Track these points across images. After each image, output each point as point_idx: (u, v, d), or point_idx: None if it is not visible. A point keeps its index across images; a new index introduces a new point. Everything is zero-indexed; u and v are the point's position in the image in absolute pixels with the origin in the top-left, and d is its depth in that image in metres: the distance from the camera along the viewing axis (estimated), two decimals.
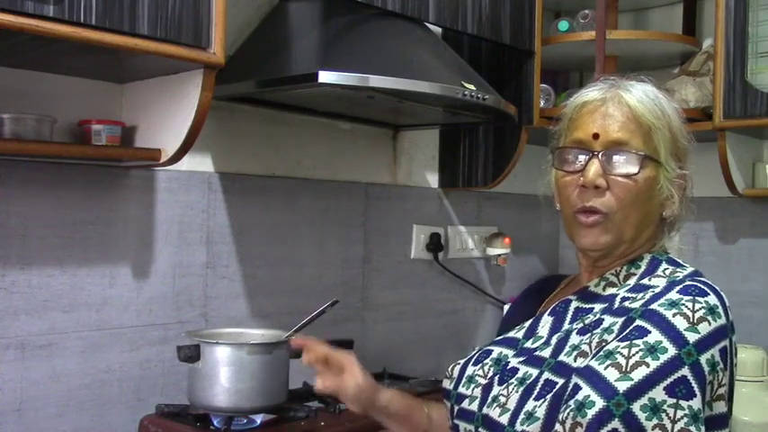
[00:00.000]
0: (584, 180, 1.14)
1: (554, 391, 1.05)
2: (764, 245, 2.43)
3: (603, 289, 1.18)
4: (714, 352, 1.02)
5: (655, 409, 0.97)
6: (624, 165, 1.14)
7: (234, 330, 1.74)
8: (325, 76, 1.52)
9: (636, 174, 1.13)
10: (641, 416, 0.97)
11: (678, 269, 1.16)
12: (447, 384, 1.26)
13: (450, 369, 1.28)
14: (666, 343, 1.00)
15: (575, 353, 1.08)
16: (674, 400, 0.98)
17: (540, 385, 1.09)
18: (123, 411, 1.70)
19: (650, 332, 1.02)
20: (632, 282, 1.16)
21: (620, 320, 1.07)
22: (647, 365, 0.99)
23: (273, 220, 1.99)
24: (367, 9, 1.77)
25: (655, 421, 0.97)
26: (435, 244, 2.38)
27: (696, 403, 0.99)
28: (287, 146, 2.03)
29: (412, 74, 1.65)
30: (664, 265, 1.17)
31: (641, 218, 1.16)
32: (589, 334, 1.10)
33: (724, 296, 1.09)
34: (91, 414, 1.65)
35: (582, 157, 1.16)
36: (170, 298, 1.78)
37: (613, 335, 1.05)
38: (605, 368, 1.01)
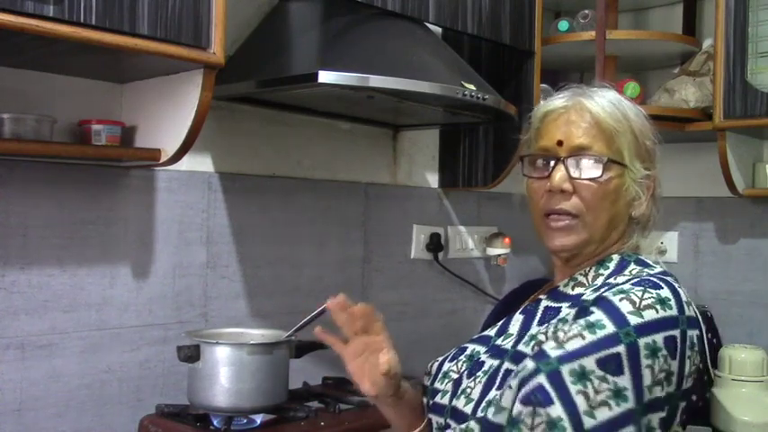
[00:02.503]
0: (551, 185, 1.19)
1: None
2: (764, 245, 2.43)
3: (572, 288, 1.21)
4: (656, 338, 1.03)
5: (581, 375, 1.00)
6: (588, 169, 1.18)
7: (234, 330, 1.74)
8: (325, 76, 1.52)
9: (600, 177, 1.17)
10: (567, 378, 1.00)
11: (645, 269, 1.17)
12: (425, 381, 1.32)
13: (429, 366, 1.33)
14: (606, 321, 1.03)
15: (532, 342, 1.13)
16: (602, 373, 1.00)
17: (500, 375, 1.13)
18: (123, 411, 1.70)
19: (593, 313, 1.05)
20: (600, 282, 1.18)
21: (575, 310, 1.10)
22: (583, 338, 1.02)
23: (273, 220, 1.99)
24: (367, 9, 1.77)
25: (579, 387, 0.99)
26: (435, 244, 2.38)
27: (623, 381, 1.00)
28: (287, 146, 2.03)
29: (412, 74, 1.65)
30: (632, 266, 1.19)
31: (609, 218, 1.19)
32: (546, 324, 1.14)
33: (682, 294, 1.10)
34: (91, 414, 1.66)
35: (548, 164, 1.21)
36: (170, 298, 1.78)
37: (567, 324, 1.08)
38: (546, 342, 1.06)
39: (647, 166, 1.22)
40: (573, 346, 1.02)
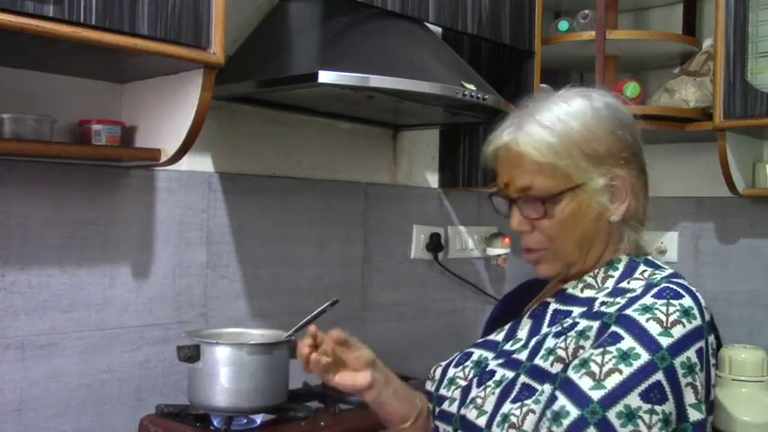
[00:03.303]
0: (511, 227, 1.20)
1: (533, 396, 1.06)
2: (764, 245, 2.43)
3: (581, 291, 1.18)
4: (690, 354, 1.02)
5: (630, 415, 0.98)
6: (535, 209, 1.16)
7: (234, 330, 1.74)
8: (325, 76, 1.52)
9: (546, 214, 1.15)
10: (617, 423, 0.97)
11: (657, 271, 1.15)
12: (429, 386, 1.28)
13: (432, 371, 1.30)
14: (640, 349, 1.01)
15: (551, 357, 1.09)
16: (650, 406, 0.98)
17: (517, 388, 1.09)
18: (123, 411, 1.70)
19: (623, 338, 1.02)
20: (610, 285, 1.16)
21: (596, 325, 1.07)
22: (621, 372, 1.00)
23: (273, 220, 1.99)
24: (367, 9, 1.77)
25: (630, 428, 0.97)
26: (435, 244, 2.38)
27: (668, 407, 0.99)
28: (287, 146, 2.03)
29: (412, 74, 1.65)
30: (642, 267, 1.17)
31: (578, 240, 1.17)
32: (564, 337, 1.10)
33: (700, 297, 1.09)
34: (91, 414, 1.65)
35: (505, 204, 1.21)
36: (170, 298, 1.78)
37: (589, 341, 1.06)
38: (580, 377, 1.02)
39: (606, 170, 1.15)
40: (612, 383, 0.99)
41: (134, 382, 1.72)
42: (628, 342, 1.02)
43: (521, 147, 1.15)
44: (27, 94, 1.53)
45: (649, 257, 1.20)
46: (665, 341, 1.01)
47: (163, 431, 1.60)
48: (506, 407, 1.08)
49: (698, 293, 1.09)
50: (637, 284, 1.12)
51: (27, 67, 1.53)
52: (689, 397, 1.01)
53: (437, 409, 1.23)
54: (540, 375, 1.08)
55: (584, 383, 1.01)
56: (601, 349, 1.03)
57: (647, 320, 1.03)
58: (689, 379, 1.01)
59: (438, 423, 1.21)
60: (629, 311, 1.05)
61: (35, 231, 1.58)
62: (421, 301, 2.38)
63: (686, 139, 2.44)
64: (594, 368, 1.01)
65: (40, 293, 1.59)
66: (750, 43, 2.12)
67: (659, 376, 0.99)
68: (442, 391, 1.23)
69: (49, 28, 1.23)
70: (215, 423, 1.59)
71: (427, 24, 1.92)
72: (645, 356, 1.00)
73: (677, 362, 1.01)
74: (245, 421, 1.61)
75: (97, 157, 1.60)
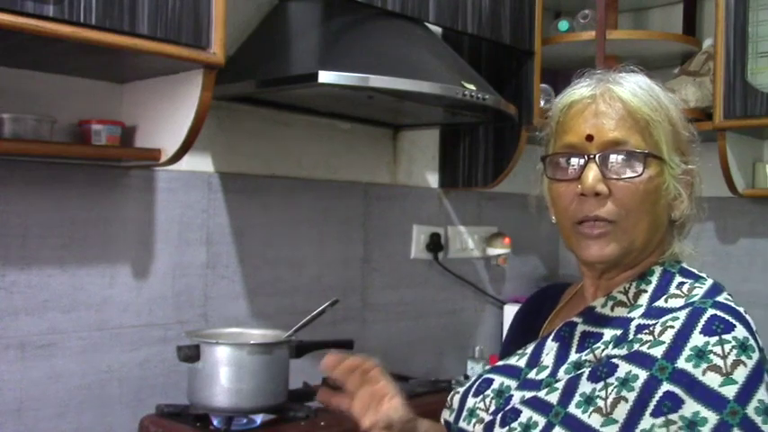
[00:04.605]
0: (583, 188, 1.02)
1: None
2: (764, 245, 2.43)
3: (612, 309, 1.06)
4: (761, 395, 0.90)
5: None
6: (625, 166, 1.02)
7: (234, 330, 1.74)
8: (325, 76, 1.52)
9: (639, 175, 1.01)
10: None
11: (696, 284, 1.05)
12: (447, 415, 1.16)
13: (449, 398, 1.17)
14: (705, 411, 0.89)
15: (590, 408, 0.96)
16: None
17: None
18: (123, 411, 1.70)
19: (684, 401, 0.90)
20: (644, 301, 1.05)
21: (643, 376, 0.94)
22: None
23: (273, 220, 1.99)
24: (367, 9, 1.77)
25: None
26: (435, 244, 2.38)
27: None
28: (287, 146, 2.02)
29: (412, 74, 1.65)
30: (677, 279, 1.06)
31: (650, 223, 1.04)
32: (603, 383, 0.96)
33: (749, 318, 0.98)
34: (91, 414, 1.65)
35: (577, 163, 1.04)
36: (170, 298, 1.78)
37: (634, 393, 0.93)
38: None
39: (685, 159, 1.07)
40: None
41: (134, 382, 1.72)
42: (690, 406, 0.89)
43: (620, 93, 1.03)
44: (27, 94, 1.53)
45: (684, 265, 1.10)
46: (729, 391, 0.89)
47: (163, 431, 1.60)
48: None
49: (746, 315, 0.99)
50: (675, 303, 1.01)
51: (27, 67, 1.53)
52: None
53: None
54: (576, 427, 0.96)
55: None
56: (662, 419, 0.90)
57: (704, 372, 0.91)
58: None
59: None
60: (681, 363, 0.92)
61: (35, 231, 1.58)
62: (421, 301, 2.38)
63: None
64: None
65: (40, 293, 1.59)
66: (750, 43, 2.12)
67: None
68: (462, 424, 1.11)
69: (49, 28, 1.23)
70: (215, 423, 1.59)
71: (427, 24, 1.92)
72: (713, 418, 0.88)
73: (750, 410, 0.89)
74: (245, 421, 1.61)
75: (97, 157, 1.60)
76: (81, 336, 1.64)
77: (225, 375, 1.56)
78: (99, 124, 1.55)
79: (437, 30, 2.04)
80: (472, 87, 1.73)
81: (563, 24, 2.42)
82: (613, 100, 1.04)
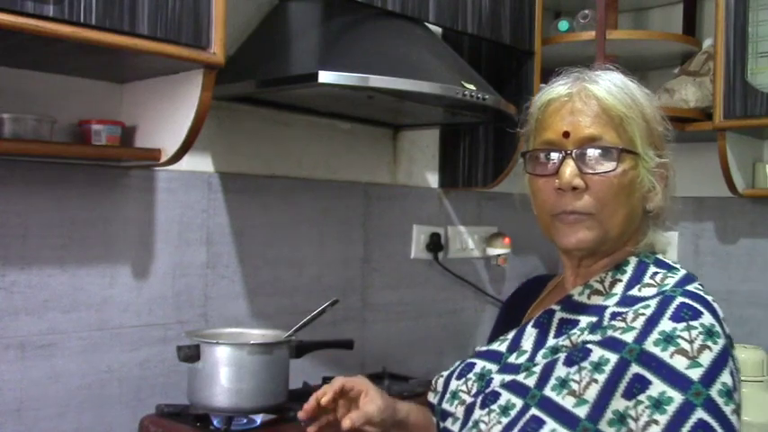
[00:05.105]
0: (560, 182, 1.08)
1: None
2: (764, 245, 2.43)
3: (588, 297, 1.11)
4: (724, 379, 0.95)
5: None
6: (600, 161, 1.08)
7: (234, 330, 1.74)
8: (325, 76, 1.52)
9: (614, 169, 1.07)
10: None
11: (669, 273, 1.09)
12: (431, 398, 1.22)
13: (434, 381, 1.23)
14: (671, 391, 0.94)
15: (564, 391, 1.01)
16: None
17: (525, 420, 1.03)
18: (123, 411, 1.70)
19: (651, 382, 0.96)
20: (619, 290, 1.09)
21: (613, 359, 0.99)
22: (658, 423, 0.93)
23: (273, 220, 1.99)
24: (367, 9, 1.77)
25: None
26: (435, 244, 2.38)
27: None
28: (287, 146, 2.03)
29: (412, 74, 1.65)
30: (652, 269, 1.10)
31: (625, 214, 1.09)
32: (577, 367, 1.02)
33: (717, 307, 1.02)
34: (91, 414, 1.65)
35: (555, 158, 1.10)
36: (170, 298, 1.78)
37: (604, 375, 0.99)
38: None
39: (659, 153, 1.12)
40: None
41: (134, 382, 1.72)
42: (657, 386, 0.95)
43: (595, 91, 1.09)
44: (27, 94, 1.53)
45: (659, 256, 1.14)
46: (694, 373, 0.94)
47: (163, 431, 1.60)
48: None
49: (714, 303, 1.03)
50: (648, 292, 1.06)
51: (27, 67, 1.53)
52: (736, 423, 0.94)
53: (440, 425, 1.18)
54: (551, 409, 1.01)
55: None
56: (633, 400, 0.96)
57: (672, 355, 0.96)
58: (732, 405, 0.94)
59: None
60: (649, 346, 0.98)
61: (35, 231, 1.58)
62: (421, 301, 2.38)
63: (686, 139, 2.44)
64: (632, 424, 0.95)
65: (40, 293, 1.59)
66: (750, 43, 2.12)
67: (700, 414, 0.92)
68: (445, 406, 1.18)
69: (49, 28, 1.23)
70: (215, 423, 1.59)
71: (427, 24, 1.92)
72: (678, 398, 0.93)
73: (714, 391, 0.94)
74: (245, 421, 1.61)
75: (97, 157, 1.60)
76: (81, 336, 1.64)
77: (225, 375, 1.57)
78: (99, 124, 1.55)
79: (437, 30, 2.04)
80: (472, 87, 1.73)
81: (563, 24, 2.42)
82: (589, 98, 1.09)
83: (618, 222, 1.09)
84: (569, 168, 1.08)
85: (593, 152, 1.08)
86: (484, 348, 1.21)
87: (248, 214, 1.93)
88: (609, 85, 1.10)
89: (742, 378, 2.05)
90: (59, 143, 1.54)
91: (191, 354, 1.58)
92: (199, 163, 1.83)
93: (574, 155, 1.08)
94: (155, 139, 1.57)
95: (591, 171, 1.08)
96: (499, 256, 2.52)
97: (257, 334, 1.72)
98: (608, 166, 1.07)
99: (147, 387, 1.74)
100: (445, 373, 1.22)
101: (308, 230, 2.07)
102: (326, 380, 2.00)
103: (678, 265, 1.12)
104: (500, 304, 2.59)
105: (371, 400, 1.17)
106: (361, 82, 1.57)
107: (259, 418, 1.62)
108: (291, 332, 1.66)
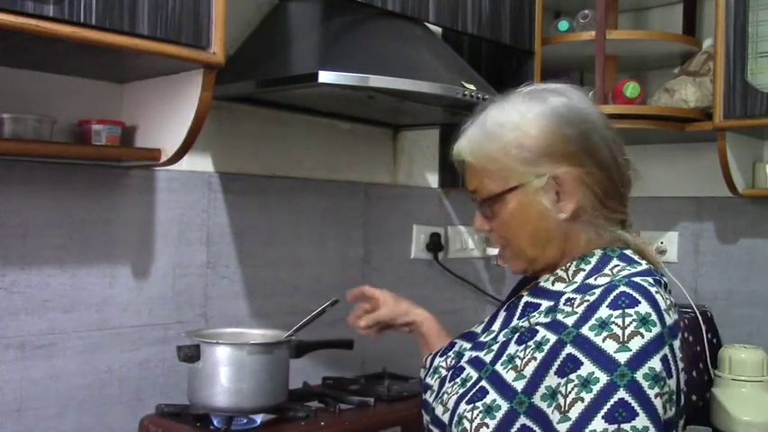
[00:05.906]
0: (474, 228, 1.28)
1: (483, 400, 1.10)
2: (764, 245, 2.43)
3: (552, 284, 1.17)
4: (653, 364, 1.00)
5: None
6: (488, 206, 1.20)
7: (234, 330, 1.74)
8: (325, 76, 1.53)
9: (494, 214, 1.19)
10: None
11: (628, 266, 1.12)
12: (422, 374, 1.34)
13: (425, 359, 1.35)
14: (598, 372, 1.00)
15: (509, 366, 1.11)
16: (615, 426, 0.97)
17: (474, 391, 1.13)
18: (123, 411, 1.70)
19: (582, 363, 1.02)
20: (579, 279, 1.14)
21: (552, 339, 1.07)
22: (583, 400, 1.00)
23: (273, 220, 1.99)
24: (367, 9, 1.77)
25: None
26: (435, 244, 2.38)
27: (640, 422, 0.97)
28: (287, 146, 2.03)
29: (412, 74, 1.65)
30: (614, 262, 1.14)
31: (529, 239, 1.18)
32: (524, 346, 1.11)
33: (660, 300, 1.06)
34: (91, 414, 1.66)
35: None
36: (170, 298, 1.78)
37: (542, 353, 1.07)
38: (552, 412, 1.03)
39: (545, 169, 1.13)
40: (576, 413, 0.99)
41: (134, 382, 1.72)
42: (587, 367, 1.01)
43: (462, 151, 1.21)
44: (27, 94, 1.53)
45: (626, 252, 1.16)
46: (622, 357, 1.00)
47: (163, 431, 1.60)
48: (461, 407, 1.12)
49: (657, 296, 1.06)
50: (602, 281, 1.10)
51: (27, 67, 1.53)
52: (660, 408, 0.99)
53: (422, 396, 1.29)
54: (496, 382, 1.10)
55: (554, 417, 1.02)
56: (564, 378, 1.03)
57: (604, 339, 1.02)
58: (657, 389, 0.99)
59: (423, 411, 1.28)
60: (585, 330, 1.04)
61: (35, 231, 1.58)
62: (421, 301, 2.36)
63: (686, 139, 2.44)
64: (561, 400, 1.02)
65: (40, 293, 1.59)
66: (750, 43, 2.12)
67: (621, 394, 0.98)
68: (428, 380, 1.29)
69: (49, 28, 1.23)
70: (215, 423, 1.59)
71: (427, 24, 1.92)
72: (603, 378, 1.00)
73: (639, 375, 0.99)
74: (245, 421, 1.61)
75: (97, 157, 1.60)
76: (81, 336, 1.64)
77: (225, 375, 1.57)
78: (99, 124, 1.55)
79: (437, 30, 2.04)
80: (472, 87, 1.73)
81: (563, 24, 2.42)
82: (460, 156, 1.22)
83: (526, 246, 1.19)
84: (477, 217, 1.24)
85: (479, 202, 1.22)
86: (466, 331, 1.33)
87: (248, 214, 1.93)
88: (470, 135, 1.21)
89: (742, 378, 2.07)
90: (59, 143, 1.54)
91: (191, 354, 1.58)
92: (199, 163, 1.83)
93: (477, 203, 1.23)
94: (155, 139, 1.57)
95: (488, 216, 1.21)
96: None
97: (257, 334, 1.72)
98: (495, 208, 1.19)
99: (147, 387, 1.74)
100: (434, 353, 1.34)
101: (308, 230, 2.07)
102: (327, 380, 2.00)
103: (643, 262, 1.14)
104: (500, 304, 2.60)
105: (384, 304, 1.52)
106: (361, 82, 1.57)
107: (259, 418, 1.62)
108: (291, 332, 1.66)
